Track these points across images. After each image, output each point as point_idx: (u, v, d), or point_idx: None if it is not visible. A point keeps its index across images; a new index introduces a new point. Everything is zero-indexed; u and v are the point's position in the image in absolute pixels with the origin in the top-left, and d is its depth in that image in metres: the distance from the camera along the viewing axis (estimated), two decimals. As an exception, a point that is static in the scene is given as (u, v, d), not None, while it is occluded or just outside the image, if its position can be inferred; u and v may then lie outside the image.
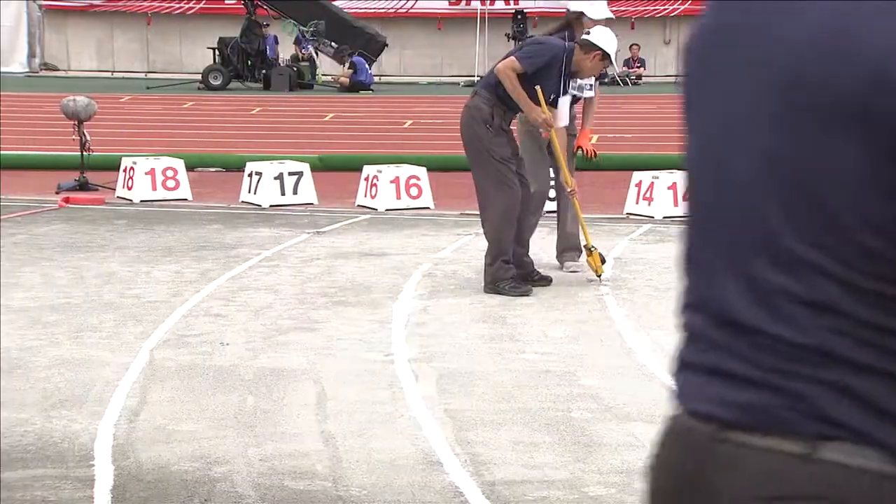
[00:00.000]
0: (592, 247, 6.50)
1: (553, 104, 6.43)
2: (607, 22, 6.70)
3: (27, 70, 26.03)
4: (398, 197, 9.62)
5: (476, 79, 23.37)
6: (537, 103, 6.31)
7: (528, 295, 6.23)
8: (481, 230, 8.43)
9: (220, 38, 22.10)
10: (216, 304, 6.01)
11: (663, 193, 9.16)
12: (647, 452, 4.33)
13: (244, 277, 6.75)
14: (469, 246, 7.86)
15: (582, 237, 6.66)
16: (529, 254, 6.60)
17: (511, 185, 6.31)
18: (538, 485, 3.55)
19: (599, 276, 6.55)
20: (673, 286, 6.46)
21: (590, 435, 3.99)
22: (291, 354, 5.04)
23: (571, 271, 6.83)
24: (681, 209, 9.42)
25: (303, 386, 4.57)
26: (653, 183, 9.23)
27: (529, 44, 6.57)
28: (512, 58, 6.31)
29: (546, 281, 6.50)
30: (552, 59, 6.37)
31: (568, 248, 6.94)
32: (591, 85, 6.96)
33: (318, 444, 3.91)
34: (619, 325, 5.58)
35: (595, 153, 7.42)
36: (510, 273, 6.32)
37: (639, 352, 5.09)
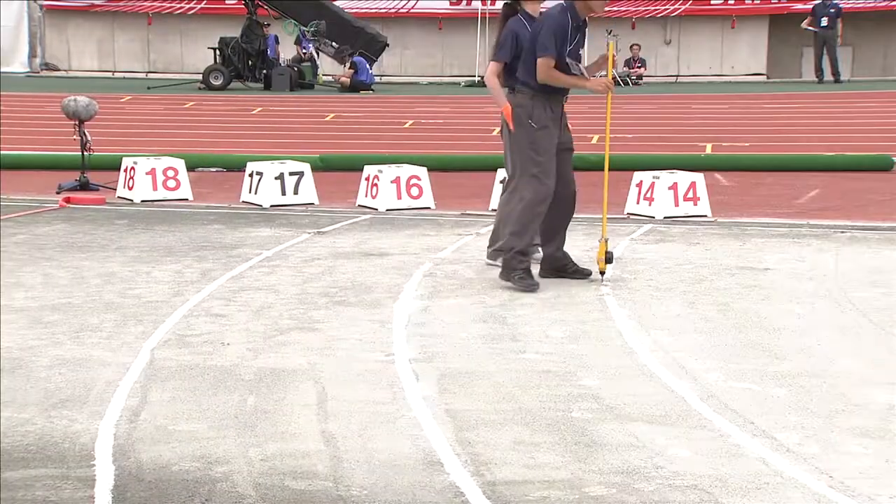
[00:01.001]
0: (606, 238, 6.52)
1: (574, 57, 6.51)
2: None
3: (28, 70, 26.05)
4: (399, 197, 9.62)
5: (477, 79, 23.47)
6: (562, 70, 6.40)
7: (533, 290, 6.30)
8: (482, 230, 8.46)
9: (221, 38, 22.10)
10: (217, 304, 6.01)
11: (664, 193, 9.16)
12: (647, 453, 4.31)
13: (245, 277, 6.75)
14: (470, 246, 7.86)
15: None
16: (564, 248, 6.70)
17: (545, 181, 6.44)
18: (539, 485, 3.55)
19: (602, 272, 6.56)
20: (674, 286, 6.49)
21: (590, 435, 3.99)
22: (292, 354, 5.04)
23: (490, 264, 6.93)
24: (681, 209, 9.44)
25: (303, 386, 4.57)
26: (653, 183, 9.23)
27: (536, 35, 6.60)
28: (540, 59, 6.39)
29: (584, 273, 6.57)
30: (558, 27, 6.43)
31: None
32: None
33: (318, 444, 3.91)
34: (619, 326, 5.58)
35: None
36: (523, 265, 6.42)
37: (639, 352, 5.09)
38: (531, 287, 6.33)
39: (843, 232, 8.47)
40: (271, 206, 9.69)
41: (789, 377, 4.71)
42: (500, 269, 6.56)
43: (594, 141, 12.93)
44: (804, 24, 22.61)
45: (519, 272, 6.39)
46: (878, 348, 5.25)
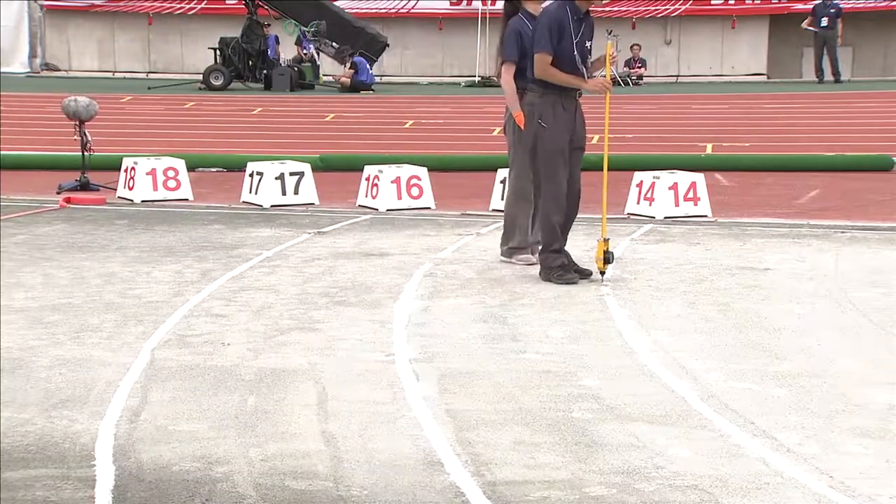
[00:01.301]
0: (606, 238, 6.53)
1: (582, 53, 6.52)
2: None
3: (28, 70, 26.04)
4: (399, 197, 9.62)
5: (477, 79, 23.46)
6: (568, 70, 6.44)
7: (573, 283, 6.46)
8: (483, 230, 8.46)
9: (222, 39, 22.10)
10: (217, 305, 6.01)
11: (664, 194, 9.16)
12: (648, 453, 4.29)
13: (245, 277, 6.75)
14: (470, 246, 7.86)
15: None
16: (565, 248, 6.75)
17: (556, 177, 6.55)
18: (539, 485, 3.55)
19: (602, 272, 6.56)
20: (674, 286, 6.49)
21: (591, 435, 3.99)
22: (292, 354, 5.05)
23: (529, 263, 6.98)
24: (681, 209, 9.45)
25: (304, 386, 4.57)
26: (654, 183, 9.23)
27: (533, 30, 6.65)
28: (536, 55, 6.45)
29: (584, 273, 6.60)
30: (554, 22, 6.44)
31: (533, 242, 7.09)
32: None
33: (318, 444, 3.91)
34: (619, 326, 5.58)
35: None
36: (557, 262, 6.56)
37: (640, 352, 5.09)
38: (571, 281, 6.49)
39: (843, 232, 8.47)
40: (271, 206, 9.69)
41: (789, 377, 4.71)
42: (508, 266, 6.73)
43: (594, 141, 12.91)
44: (804, 24, 22.61)
45: (555, 270, 6.54)
46: (879, 348, 5.25)
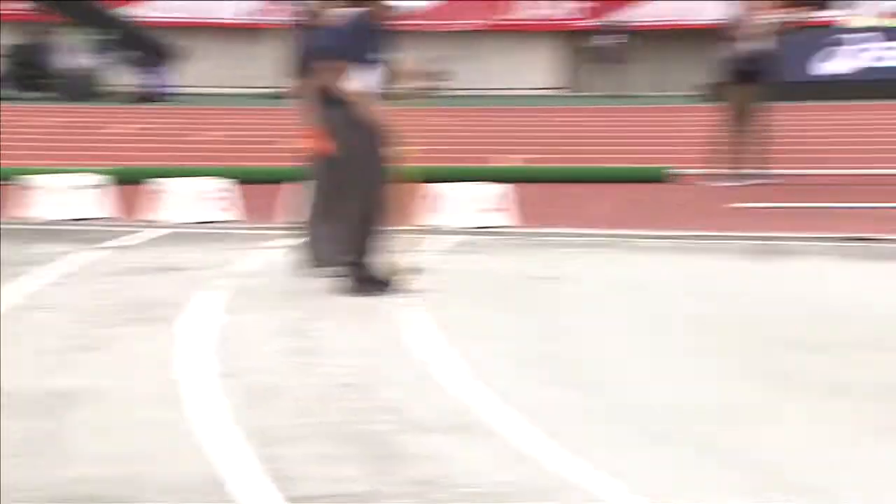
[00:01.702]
0: (408, 250, 6.58)
1: (377, 66, 6.50)
2: None
3: None
4: (198, 210, 9.44)
5: (275, 90, 23.25)
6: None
7: (376, 295, 6.41)
8: (284, 242, 8.38)
9: (6, 45, 21.14)
10: None
11: (465, 205, 9.34)
12: (443, 463, 4.32)
13: (30, 296, 6.46)
14: (270, 260, 7.78)
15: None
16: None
17: (358, 189, 6.48)
18: (341, 498, 3.55)
19: (401, 284, 6.61)
20: (476, 297, 6.60)
21: (390, 447, 4.02)
22: (81, 375, 4.86)
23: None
24: (484, 220, 9.63)
25: (94, 406, 4.41)
26: (456, 194, 9.40)
27: (327, 42, 6.67)
28: (329, 63, 6.42)
29: (392, 285, 6.57)
30: (349, 31, 6.52)
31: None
32: None
33: (111, 467, 3.78)
34: (420, 336, 5.64)
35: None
36: (360, 274, 6.51)
37: (440, 363, 5.16)
38: (373, 293, 6.43)
39: (635, 240, 8.84)
40: (60, 220, 9.32)
41: (583, 383, 4.87)
42: (309, 279, 6.69)
43: (399, 153, 13.03)
44: (593, 41, 23.67)
45: (359, 282, 6.49)
46: (667, 352, 5.50)
